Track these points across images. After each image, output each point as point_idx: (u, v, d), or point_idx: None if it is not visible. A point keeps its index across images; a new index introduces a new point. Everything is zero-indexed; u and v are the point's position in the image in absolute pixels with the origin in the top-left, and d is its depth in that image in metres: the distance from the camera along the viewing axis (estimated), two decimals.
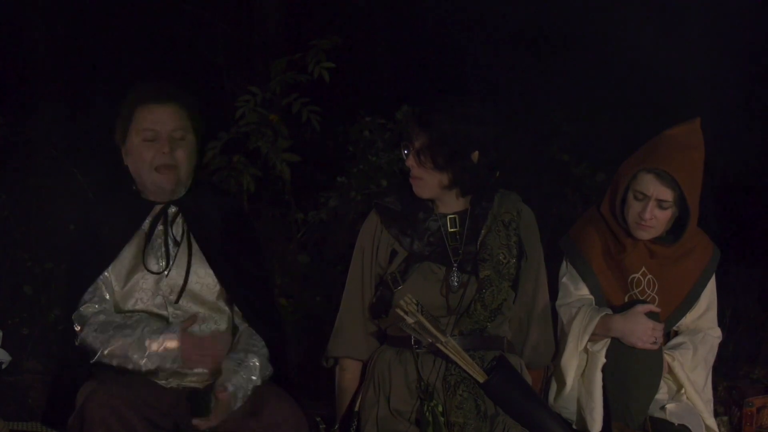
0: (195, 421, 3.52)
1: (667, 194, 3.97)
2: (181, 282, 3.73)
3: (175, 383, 3.72)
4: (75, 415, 3.56)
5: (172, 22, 8.25)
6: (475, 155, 3.82)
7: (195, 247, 3.76)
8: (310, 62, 5.52)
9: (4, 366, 3.87)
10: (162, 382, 3.71)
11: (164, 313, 3.72)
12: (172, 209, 3.78)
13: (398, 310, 3.74)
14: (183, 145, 3.72)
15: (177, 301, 3.71)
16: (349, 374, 3.97)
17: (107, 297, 3.73)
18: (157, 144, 3.69)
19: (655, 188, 3.97)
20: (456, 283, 3.84)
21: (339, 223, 5.78)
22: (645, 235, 4.03)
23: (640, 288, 4.07)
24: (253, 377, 3.67)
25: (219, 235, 3.77)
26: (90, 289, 3.72)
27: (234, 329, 3.82)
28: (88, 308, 3.71)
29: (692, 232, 4.05)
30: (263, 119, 5.55)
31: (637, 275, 4.08)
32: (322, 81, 5.52)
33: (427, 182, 3.84)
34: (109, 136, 3.82)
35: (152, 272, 3.71)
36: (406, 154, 3.86)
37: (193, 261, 3.75)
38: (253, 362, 3.69)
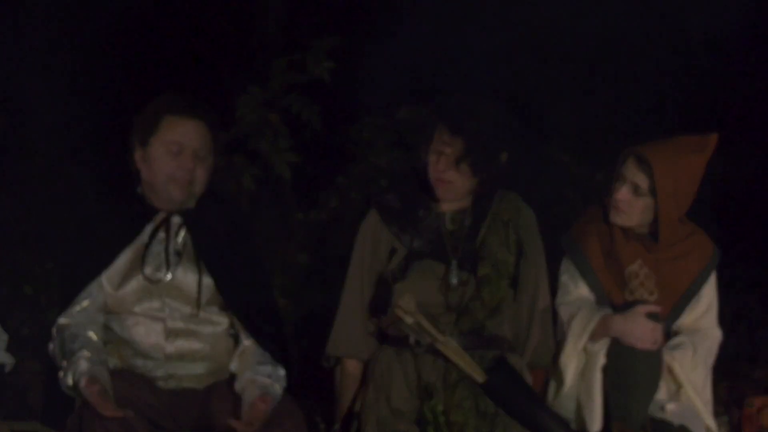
0: (233, 423, 3.52)
1: (641, 179, 3.99)
2: (181, 285, 3.73)
3: (173, 384, 3.72)
4: (74, 415, 3.57)
5: (172, 22, 8.25)
6: (504, 155, 3.84)
7: (200, 259, 3.76)
8: (310, 62, 5.51)
9: (8, 369, 3.88)
10: (160, 383, 3.71)
11: (161, 314, 3.72)
12: (176, 219, 3.77)
13: (397, 310, 3.75)
14: (204, 164, 3.73)
15: (197, 314, 3.71)
16: (349, 374, 3.98)
17: (99, 303, 3.73)
18: (181, 158, 3.68)
19: (633, 172, 3.99)
20: (455, 281, 3.85)
21: (339, 223, 5.78)
22: (618, 219, 4.05)
23: (639, 280, 4.07)
24: (280, 386, 3.69)
25: (220, 244, 3.77)
26: (83, 293, 3.72)
27: (235, 335, 3.82)
28: (65, 317, 3.71)
29: (668, 234, 4.04)
30: (263, 119, 5.55)
31: (634, 267, 4.08)
32: (322, 81, 5.52)
33: (458, 186, 3.85)
34: (115, 137, 3.81)
35: (150, 279, 3.70)
36: (429, 154, 3.84)
37: (194, 270, 3.75)
38: (281, 373, 3.71)
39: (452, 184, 3.85)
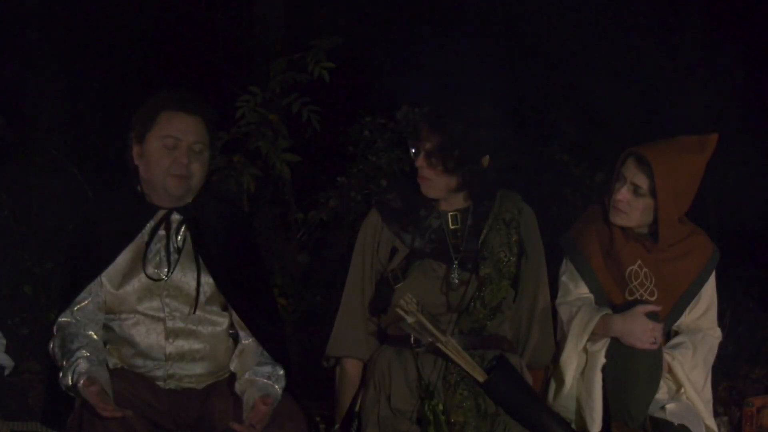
0: (235, 426, 3.52)
1: (641, 180, 3.98)
2: (181, 284, 3.73)
3: (173, 384, 3.72)
4: (74, 416, 3.57)
5: (172, 22, 8.25)
6: (486, 160, 3.83)
7: (199, 257, 3.76)
8: (310, 62, 5.51)
9: (7, 372, 3.88)
10: (160, 384, 3.71)
11: (161, 314, 3.72)
12: (176, 216, 3.77)
13: (398, 310, 3.74)
14: (200, 159, 3.73)
15: (194, 312, 3.72)
16: (349, 374, 3.98)
17: (98, 301, 3.73)
18: (176, 152, 3.69)
19: (633, 172, 4.00)
20: (456, 281, 3.85)
21: (339, 223, 5.78)
22: (618, 219, 4.05)
23: (639, 280, 4.07)
24: (280, 386, 3.69)
25: (220, 243, 3.77)
26: (83, 293, 3.72)
27: (234, 335, 3.82)
28: (65, 316, 3.71)
29: (668, 234, 4.03)
30: (263, 119, 5.55)
31: (634, 267, 4.08)
32: (322, 81, 5.52)
33: (436, 183, 3.84)
34: (114, 136, 3.82)
35: (151, 278, 3.71)
36: (415, 153, 3.86)
37: (194, 268, 3.75)
38: (281, 373, 3.71)
39: (430, 181, 3.85)
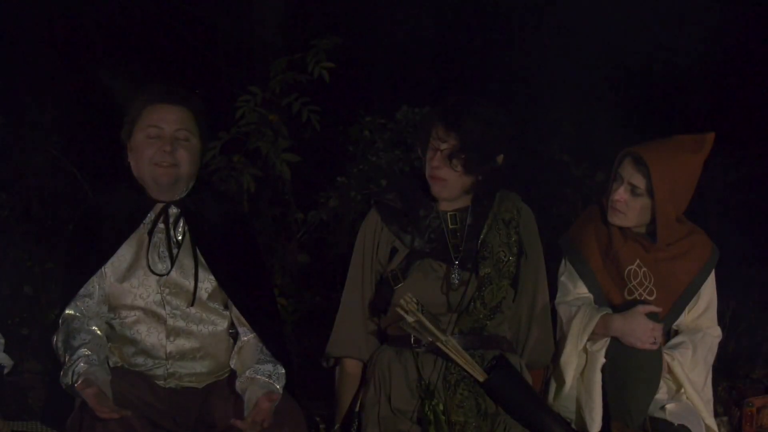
0: (237, 422, 3.52)
1: (638, 180, 3.99)
2: (181, 281, 3.73)
3: (173, 383, 3.73)
4: (74, 416, 3.57)
5: (173, 22, 8.25)
6: (500, 158, 3.84)
7: (196, 250, 3.77)
8: (310, 62, 5.51)
9: (6, 371, 3.88)
10: (160, 383, 3.71)
11: (162, 311, 3.72)
12: (174, 210, 3.78)
13: (398, 309, 3.74)
14: (186, 147, 3.74)
15: (192, 305, 3.72)
16: (349, 374, 3.98)
17: (101, 294, 3.73)
18: (160, 142, 3.71)
19: (630, 172, 4.00)
20: (456, 281, 3.85)
21: (339, 223, 5.78)
22: (616, 219, 4.05)
23: (638, 279, 4.07)
24: (281, 385, 3.69)
25: (219, 239, 3.78)
26: (87, 286, 3.72)
27: (234, 334, 3.82)
28: (70, 309, 3.72)
29: (666, 234, 4.03)
30: (263, 119, 5.55)
31: (633, 267, 4.08)
32: (322, 81, 5.52)
33: (452, 184, 3.84)
34: (114, 135, 3.84)
35: (153, 272, 3.71)
36: (425, 152, 3.86)
37: (193, 263, 3.75)
38: (281, 371, 3.71)
39: (446, 182, 3.85)
